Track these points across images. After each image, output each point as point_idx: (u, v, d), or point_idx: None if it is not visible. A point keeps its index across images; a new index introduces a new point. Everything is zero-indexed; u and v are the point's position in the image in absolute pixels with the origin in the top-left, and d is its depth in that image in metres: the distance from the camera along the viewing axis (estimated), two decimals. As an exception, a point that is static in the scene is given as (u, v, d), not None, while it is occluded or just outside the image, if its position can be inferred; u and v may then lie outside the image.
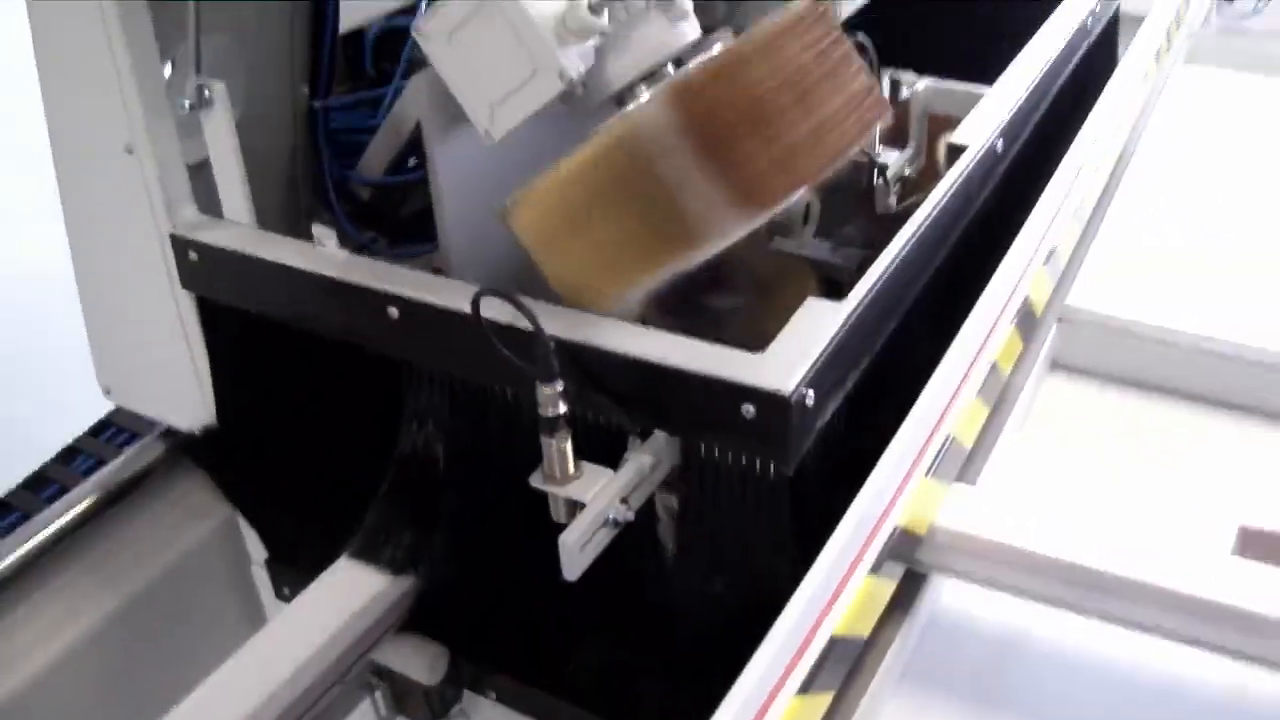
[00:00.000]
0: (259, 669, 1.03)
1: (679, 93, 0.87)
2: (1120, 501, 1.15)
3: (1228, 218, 1.55)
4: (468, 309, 0.92)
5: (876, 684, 0.97)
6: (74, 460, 1.48)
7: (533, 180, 0.91)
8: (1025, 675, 1.02)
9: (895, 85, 1.38)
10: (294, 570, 1.33)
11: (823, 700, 0.90)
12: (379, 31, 1.59)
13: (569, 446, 0.86)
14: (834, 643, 0.87)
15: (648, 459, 0.88)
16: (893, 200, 1.31)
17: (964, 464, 1.10)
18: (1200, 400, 1.27)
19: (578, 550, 0.82)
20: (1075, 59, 1.47)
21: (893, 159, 1.33)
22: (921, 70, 1.38)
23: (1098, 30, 1.55)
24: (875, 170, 1.31)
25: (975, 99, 1.30)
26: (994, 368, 1.13)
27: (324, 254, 1.06)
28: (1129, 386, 1.30)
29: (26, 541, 1.29)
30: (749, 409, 0.85)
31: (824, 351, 0.88)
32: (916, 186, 1.36)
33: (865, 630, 0.95)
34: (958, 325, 1.05)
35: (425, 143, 1.27)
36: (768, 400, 0.84)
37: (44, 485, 1.44)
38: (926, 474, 0.98)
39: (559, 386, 0.84)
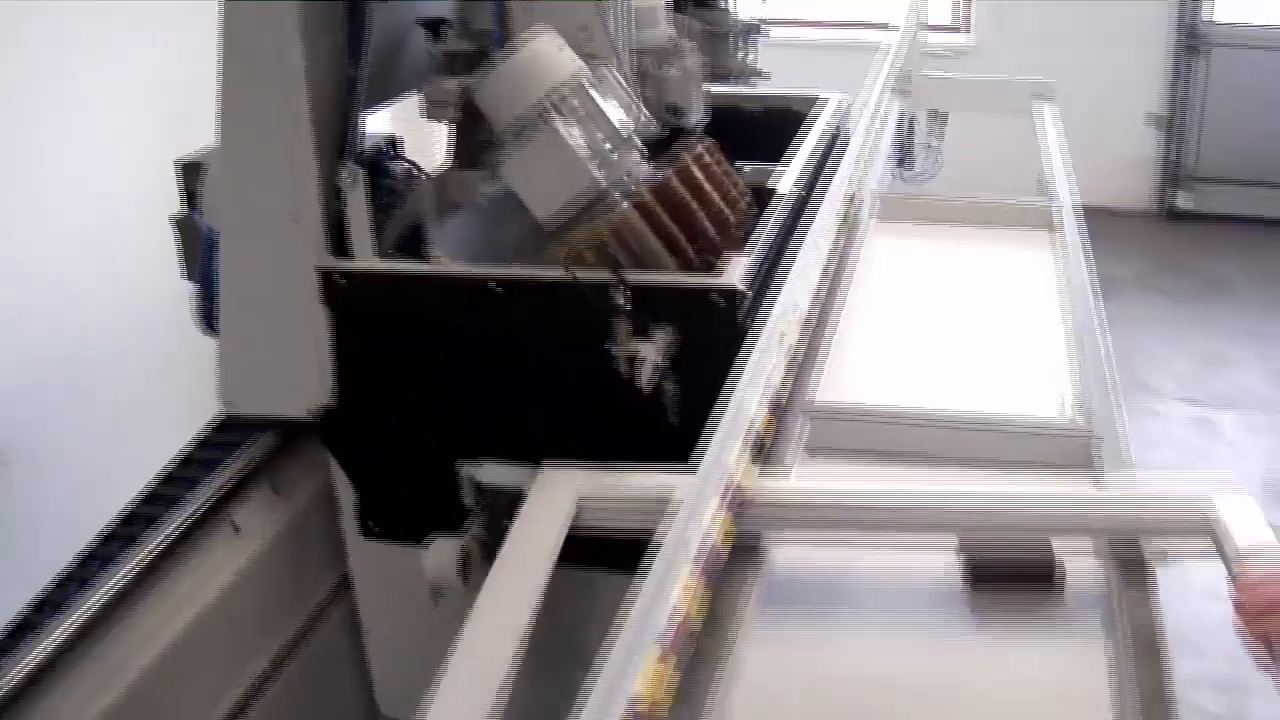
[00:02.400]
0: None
1: (640, 205, 1.83)
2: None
3: (922, 326, 2.16)
4: (542, 276, 1.79)
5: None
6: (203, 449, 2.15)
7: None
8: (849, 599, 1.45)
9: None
10: (380, 510, 2.06)
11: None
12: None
13: (629, 326, 1.71)
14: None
15: (667, 335, 1.75)
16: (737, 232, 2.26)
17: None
18: (925, 459, 1.66)
19: (649, 371, 1.67)
20: (824, 147, 2.51)
21: (735, 210, 2.29)
22: (745, 155, 2.37)
23: (832, 132, 2.62)
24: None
25: (776, 172, 2.28)
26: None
27: (443, 265, 1.88)
28: (870, 458, 1.68)
29: (179, 518, 1.96)
30: (719, 298, 1.74)
31: (747, 272, 1.79)
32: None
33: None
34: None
35: (425, 228, 2.12)
36: (728, 292, 1.74)
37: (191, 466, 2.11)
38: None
39: (626, 290, 1.70)
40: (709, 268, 1.83)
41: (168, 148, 3.04)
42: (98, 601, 1.76)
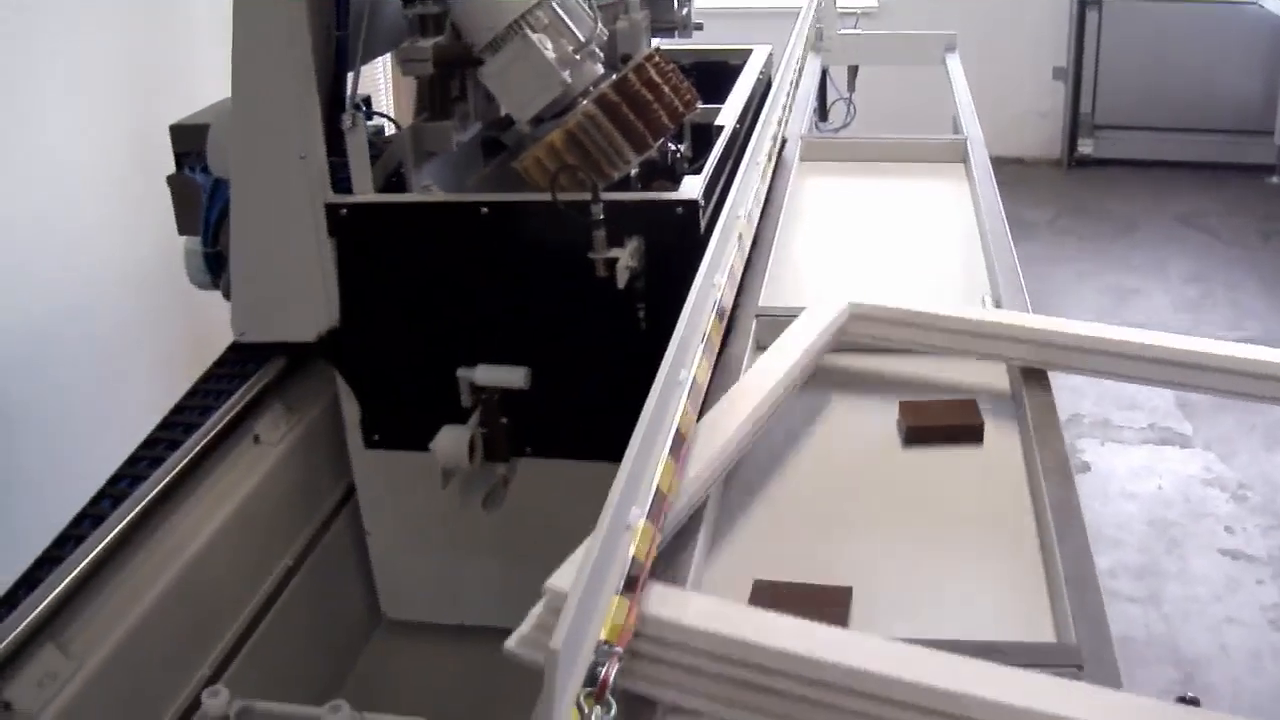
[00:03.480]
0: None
1: (600, 98, 2.15)
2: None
3: (851, 243, 2.57)
4: (526, 198, 2.13)
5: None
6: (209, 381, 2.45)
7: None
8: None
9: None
10: (381, 422, 2.39)
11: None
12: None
13: (604, 234, 2.06)
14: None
15: (636, 244, 2.09)
16: (685, 166, 2.62)
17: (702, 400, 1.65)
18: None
19: (624, 272, 2.02)
20: (759, 91, 2.88)
21: (682, 147, 2.65)
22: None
23: (765, 78, 2.99)
24: (676, 153, 2.62)
25: (717, 111, 2.64)
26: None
27: (435, 194, 2.21)
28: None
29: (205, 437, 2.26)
30: (680, 209, 2.09)
31: (702, 188, 2.14)
32: (689, 160, 2.68)
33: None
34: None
35: (405, 169, 2.45)
36: (688, 203, 2.09)
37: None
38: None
39: (601, 205, 2.04)
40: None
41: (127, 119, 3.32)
42: (140, 505, 2.02)
